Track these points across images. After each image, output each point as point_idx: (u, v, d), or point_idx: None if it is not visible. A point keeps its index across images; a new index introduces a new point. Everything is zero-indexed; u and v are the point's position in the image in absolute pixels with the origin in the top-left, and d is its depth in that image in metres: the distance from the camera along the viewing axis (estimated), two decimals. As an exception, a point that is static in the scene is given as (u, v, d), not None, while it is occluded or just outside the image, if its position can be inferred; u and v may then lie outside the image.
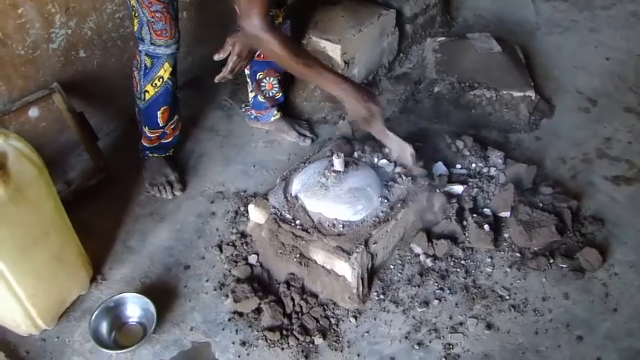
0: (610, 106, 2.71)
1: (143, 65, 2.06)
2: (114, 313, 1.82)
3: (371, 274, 1.91)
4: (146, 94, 2.12)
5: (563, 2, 3.50)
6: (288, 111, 2.64)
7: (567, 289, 1.91)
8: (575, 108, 2.72)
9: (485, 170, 2.24)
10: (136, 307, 1.84)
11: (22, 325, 1.75)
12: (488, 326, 1.81)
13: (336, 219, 1.89)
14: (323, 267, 1.85)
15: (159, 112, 2.16)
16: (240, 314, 1.84)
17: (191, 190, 2.31)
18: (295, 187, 2.00)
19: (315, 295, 1.87)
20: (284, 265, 1.91)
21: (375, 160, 2.12)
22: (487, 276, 1.95)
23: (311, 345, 1.76)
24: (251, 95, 2.50)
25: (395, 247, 2.00)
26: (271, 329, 1.78)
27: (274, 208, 1.96)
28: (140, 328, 1.83)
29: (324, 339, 1.78)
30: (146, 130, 2.23)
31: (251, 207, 2.02)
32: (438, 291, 1.90)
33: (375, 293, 1.90)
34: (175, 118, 2.25)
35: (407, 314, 1.85)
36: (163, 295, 1.91)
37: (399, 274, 1.95)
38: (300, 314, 1.83)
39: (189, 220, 2.19)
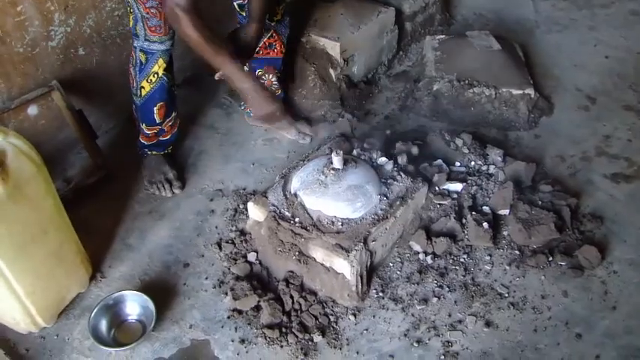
0: (609, 104, 2.71)
1: (138, 61, 2.06)
2: (113, 310, 1.83)
3: (370, 272, 1.91)
4: (142, 90, 2.11)
5: (563, 0, 3.50)
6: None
7: (566, 287, 1.91)
8: (575, 106, 2.72)
9: (484, 168, 2.24)
10: (135, 305, 1.84)
11: (22, 322, 1.75)
12: (487, 324, 1.81)
13: (335, 216, 1.89)
14: (322, 264, 1.85)
15: (155, 109, 2.15)
16: (240, 312, 1.84)
17: (190, 187, 2.31)
18: (294, 184, 2.00)
19: (314, 293, 1.87)
20: (283, 262, 1.91)
21: (374, 157, 2.12)
22: (486, 274, 1.95)
23: (310, 342, 1.76)
24: (251, 93, 2.50)
25: (394, 244, 2.00)
26: (270, 327, 1.78)
27: (273, 205, 1.96)
28: (139, 326, 1.83)
29: (323, 336, 1.78)
30: (143, 126, 2.22)
31: (250, 205, 2.02)
32: (437, 289, 1.90)
33: (374, 291, 1.90)
34: (173, 115, 2.25)
35: (406, 312, 1.85)
36: (162, 292, 1.91)
37: (398, 272, 1.95)
38: (299, 312, 1.83)
39: (188, 218, 2.18)
